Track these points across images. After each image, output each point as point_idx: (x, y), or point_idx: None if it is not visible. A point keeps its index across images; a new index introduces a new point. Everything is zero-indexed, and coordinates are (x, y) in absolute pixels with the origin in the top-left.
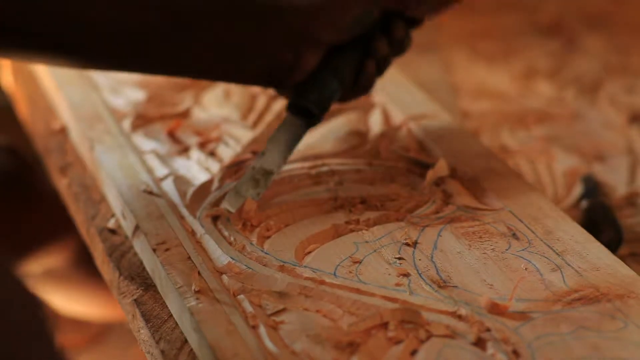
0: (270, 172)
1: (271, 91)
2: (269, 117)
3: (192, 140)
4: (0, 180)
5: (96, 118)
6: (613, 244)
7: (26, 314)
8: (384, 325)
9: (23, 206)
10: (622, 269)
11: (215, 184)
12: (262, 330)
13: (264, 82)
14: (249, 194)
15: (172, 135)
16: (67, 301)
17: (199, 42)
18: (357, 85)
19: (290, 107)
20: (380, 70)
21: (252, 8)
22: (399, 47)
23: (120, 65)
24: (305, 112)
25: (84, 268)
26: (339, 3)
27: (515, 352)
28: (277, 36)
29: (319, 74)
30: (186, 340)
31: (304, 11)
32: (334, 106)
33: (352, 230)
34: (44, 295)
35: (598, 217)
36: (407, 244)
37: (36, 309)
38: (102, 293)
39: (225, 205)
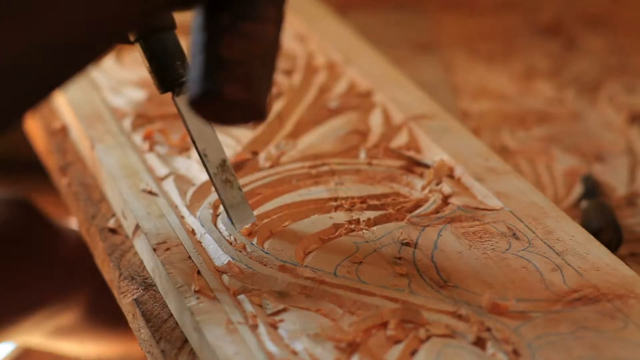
0: (224, 161)
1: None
2: (269, 116)
3: None
4: (10, 235)
5: (96, 117)
6: (613, 244)
7: None
8: (384, 325)
9: (33, 262)
10: (622, 269)
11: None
12: (263, 330)
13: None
14: (239, 197)
15: (149, 139)
16: (83, 353)
17: None
18: None
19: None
20: None
21: None
22: None
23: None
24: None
25: (96, 321)
26: None
27: (515, 352)
28: None
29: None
30: (186, 340)
31: None
32: (334, 106)
33: (352, 230)
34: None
35: (597, 217)
36: (407, 244)
37: None
38: (117, 341)
39: (240, 225)
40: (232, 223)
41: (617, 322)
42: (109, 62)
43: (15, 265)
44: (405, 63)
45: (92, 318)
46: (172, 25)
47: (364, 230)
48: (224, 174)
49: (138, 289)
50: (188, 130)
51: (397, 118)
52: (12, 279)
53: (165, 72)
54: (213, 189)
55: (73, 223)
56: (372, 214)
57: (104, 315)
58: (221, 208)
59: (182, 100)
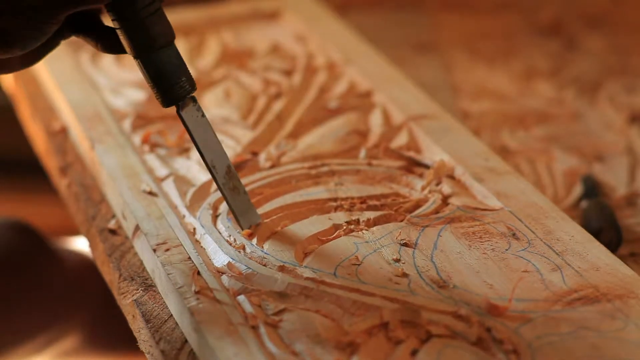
0: (229, 168)
1: (271, 91)
2: (269, 117)
3: None
4: (9, 260)
5: (97, 118)
6: (613, 244)
7: None
8: (384, 325)
9: (33, 286)
10: (622, 269)
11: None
12: (262, 330)
13: None
14: (246, 202)
15: (146, 141)
16: None
17: None
18: None
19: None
20: None
21: None
22: None
23: None
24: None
25: (98, 343)
26: None
27: (515, 352)
28: None
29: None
30: (186, 341)
31: None
32: (334, 106)
33: (352, 230)
34: None
35: (597, 217)
36: (407, 244)
37: None
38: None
39: (247, 226)
40: (241, 227)
41: (617, 322)
42: (109, 63)
43: (16, 289)
44: (405, 63)
45: (94, 340)
46: (172, 38)
47: (363, 231)
48: (231, 181)
49: (138, 289)
50: (195, 143)
51: (397, 118)
52: (12, 303)
53: (171, 88)
54: (214, 187)
55: (72, 244)
56: (371, 215)
57: (106, 337)
58: (221, 209)
59: (187, 114)
